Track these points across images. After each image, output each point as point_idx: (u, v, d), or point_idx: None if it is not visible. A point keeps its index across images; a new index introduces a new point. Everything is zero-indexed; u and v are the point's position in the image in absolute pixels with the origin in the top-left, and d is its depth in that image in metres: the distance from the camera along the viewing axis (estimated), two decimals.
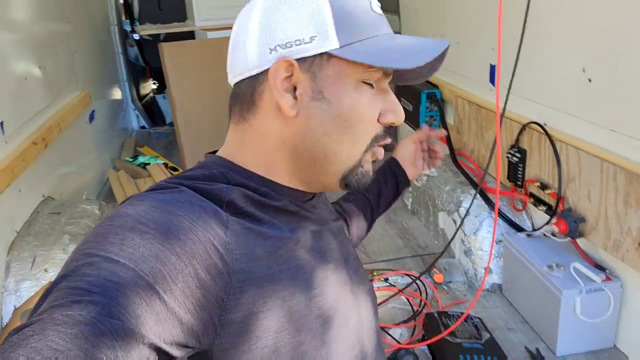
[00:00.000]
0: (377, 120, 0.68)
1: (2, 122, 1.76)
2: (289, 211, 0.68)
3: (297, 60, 0.63)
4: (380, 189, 1.18)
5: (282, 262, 0.62)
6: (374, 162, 0.72)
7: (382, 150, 0.70)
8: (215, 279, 0.54)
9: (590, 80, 1.50)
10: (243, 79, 0.68)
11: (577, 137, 1.57)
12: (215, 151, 0.73)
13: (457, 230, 1.87)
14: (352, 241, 1.08)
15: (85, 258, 0.49)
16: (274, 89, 0.64)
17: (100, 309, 0.44)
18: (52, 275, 1.65)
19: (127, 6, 4.63)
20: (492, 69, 2.03)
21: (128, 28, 4.44)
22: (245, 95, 0.68)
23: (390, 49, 0.65)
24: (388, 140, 0.70)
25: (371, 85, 0.67)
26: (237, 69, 0.68)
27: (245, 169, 0.68)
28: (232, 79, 0.70)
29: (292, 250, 0.65)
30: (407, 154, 1.20)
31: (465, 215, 1.85)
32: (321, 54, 0.64)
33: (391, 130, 0.93)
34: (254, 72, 0.66)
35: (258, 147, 0.68)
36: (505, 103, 1.71)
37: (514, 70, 1.69)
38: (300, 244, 0.67)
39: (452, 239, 1.87)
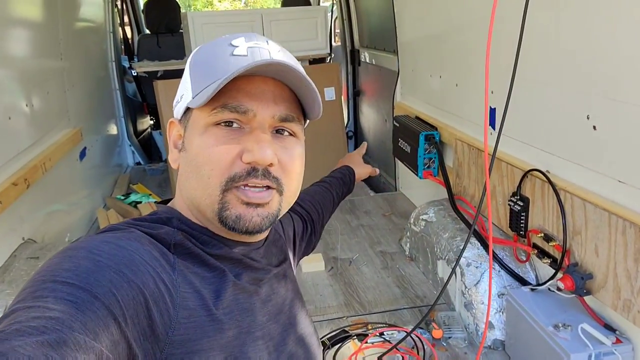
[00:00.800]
0: (242, 160, 0.64)
1: None
2: (232, 258, 0.70)
3: (180, 118, 0.70)
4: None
5: (226, 306, 0.64)
6: (257, 205, 0.65)
7: (253, 194, 0.65)
8: (162, 312, 0.56)
9: (595, 128, 1.42)
10: None
11: (583, 187, 1.48)
12: (167, 200, 0.77)
13: (450, 277, 1.77)
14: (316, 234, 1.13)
15: (39, 284, 0.49)
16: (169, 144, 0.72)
17: (61, 323, 0.45)
18: None
19: (127, 43, 4.64)
20: (492, 112, 1.96)
21: (126, 64, 4.43)
22: None
23: (218, 84, 0.63)
24: (259, 182, 0.65)
25: (228, 125, 0.65)
26: None
27: (187, 219, 0.70)
28: None
29: (234, 294, 0.67)
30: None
31: (457, 262, 1.74)
32: (187, 108, 0.68)
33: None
34: None
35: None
36: (496, 146, 1.63)
37: (504, 114, 1.61)
38: (243, 289, 0.69)
39: (444, 288, 1.77)
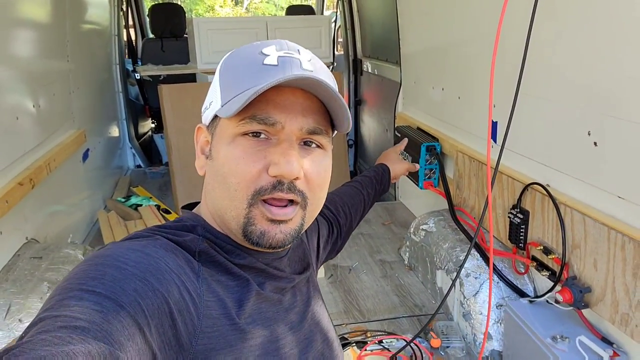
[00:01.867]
0: (268, 173, 0.64)
1: None
2: (255, 267, 0.70)
3: (208, 125, 0.71)
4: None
5: (248, 315, 0.65)
6: (280, 222, 0.65)
7: (277, 210, 0.65)
8: (186, 321, 0.56)
9: (595, 144, 1.45)
10: None
11: (583, 202, 1.51)
12: (192, 204, 0.77)
13: (450, 288, 1.79)
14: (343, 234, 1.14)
15: (67, 292, 0.50)
16: (196, 151, 0.73)
17: (87, 333, 0.45)
18: (26, 325, 1.56)
19: (131, 46, 4.67)
20: (494, 125, 1.99)
21: (130, 67, 4.46)
22: None
23: (248, 95, 0.62)
24: (284, 195, 0.64)
25: (255, 135, 0.64)
26: None
27: (212, 227, 0.70)
28: None
29: (258, 303, 0.67)
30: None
31: (458, 273, 1.76)
32: (215, 117, 0.68)
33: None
34: None
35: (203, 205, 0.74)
36: (499, 159, 1.66)
37: (507, 128, 1.65)
38: (266, 299, 0.69)
39: (445, 299, 1.79)
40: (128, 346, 0.47)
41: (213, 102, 0.69)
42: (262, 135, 0.64)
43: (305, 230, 0.91)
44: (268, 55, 0.66)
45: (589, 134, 1.48)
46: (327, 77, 0.68)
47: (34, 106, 2.20)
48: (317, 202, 0.69)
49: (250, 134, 0.64)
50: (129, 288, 0.51)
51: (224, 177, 0.65)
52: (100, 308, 0.48)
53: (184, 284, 0.58)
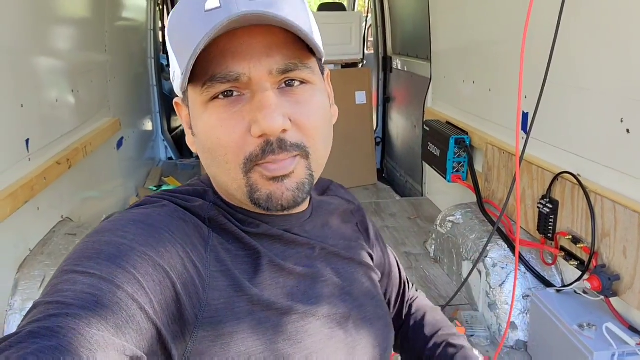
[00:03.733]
0: (251, 133, 0.55)
1: (27, 140, 1.77)
2: (271, 235, 0.63)
3: (183, 98, 0.62)
4: None
5: (259, 283, 0.59)
6: (283, 177, 0.57)
7: (274, 165, 0.56)
8: (191, 294, 0.53)
9: (628, 131, 1.43)
10: None
11: (614, 190, 1.49)
12: None
13: (471, 271, 1.78)
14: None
15: (62, 275, 0.48)
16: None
17: (79, 320, 0.43)
18: None
19: (165, 41, 4.78)
20: (525, 116, 1.97)
21: (165, 62, 4.56)
22: None
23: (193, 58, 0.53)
24: (277, 157, 0.56)
25: (227, 96, 0.56)
26: None
27: (220, 196, 0.65)
28: None
29: (273, 276, 0.61)
30: None
31: (479, 258, 1.75)
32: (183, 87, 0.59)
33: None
34: None
35: None
36: (524, 148, 1.65)
37: (534, 117, 1.63)
38: (283, 269, 0.62)
39: (466, 280, 1.78)
40: (127, 328, 0.45)
41: (175, 71, 0.59)
42: (235, 94, 0.55)
43: (370, 233, 0.81)
44: None
45: (621, 121, 1.45)
46: (276, 6, 0.55)
47: (72, 91, 2.28)
48: (321, 146, 0.60)
49: (221, 96, 0.55)
50: (128, 265, 0.48)
51: (210, 151, 0.58)
52: (95, 291, 0.45)
53: (189, 254, 0.54)
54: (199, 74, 0.54)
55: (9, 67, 1.72)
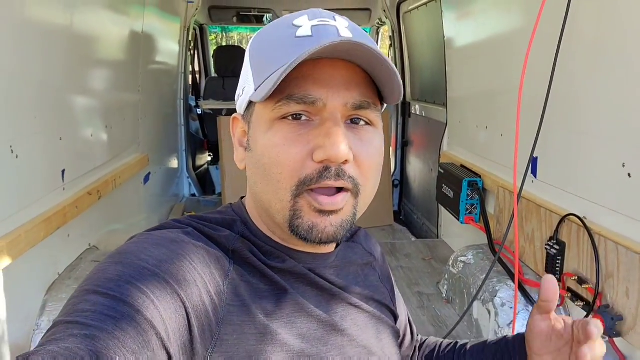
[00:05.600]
0: (313, 159, 0.56)
1: (63, 170, 1.91)
2: (295, 273, 0.63)
3: (243, 113, 0.64)
4: None
5: (277, 326, 0.57)
6: (330, 212, 0.58)
7: (325, 200, 0.57)
8: (204, 327, 0.52)
9: (630, 175, 1.49)
10: None
11: (617, 232, 1.53)
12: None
13: (473, 301, 1.80)
14: None
15: (83, 295, 0.49)
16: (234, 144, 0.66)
17: (97, 342, 0.44)
18: None
19: (195, 84, 5.02)
20: (535, 161, 2.04)
21: (193, 103, 4.78)
22: None
23: (281, 73, 0.54)
24: (333, 183, 0.56)
25: (296, 118, 0.57)
26: None
27: (253, 224, 0.65)
28: None
29: (291, 315, 0.60)
30: (537, 335, 0.71)
31: (481, 286, 1.79)
32: (250, 102, 0.61)
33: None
34: None
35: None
36: (522, 187, 1.71)
37: (530, 157, 1.70)
38: (302, 310, 0.61)
39: (468, 310, 1.80)
40: (142, 353, 0.46)
41: (246, 87, 0.61)
42: (303, 117, 0.57)
43: (395, 290, 0.81)
44: (300, 26, 0.58)
45: (623, 166, 1.51)
46: (368, 41, 0.58)
47: (106, 127, 2.44)
48: (370, 189, 0.61)
49: (290, 117, 0.57)
50: (147, 290, 0.49)
51: (264, 168, 0.58)
52: (114, 313, 0.46)
53: (206, 286, 0.54)
54: (274, 92, 0.55)
55: (51, 103, 1.87)
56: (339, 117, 0.57)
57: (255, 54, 0.62)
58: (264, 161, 0.58)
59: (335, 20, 0.60)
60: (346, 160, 0.56)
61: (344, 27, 0.59)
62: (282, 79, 0.53)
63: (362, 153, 0.58)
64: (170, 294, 0.50)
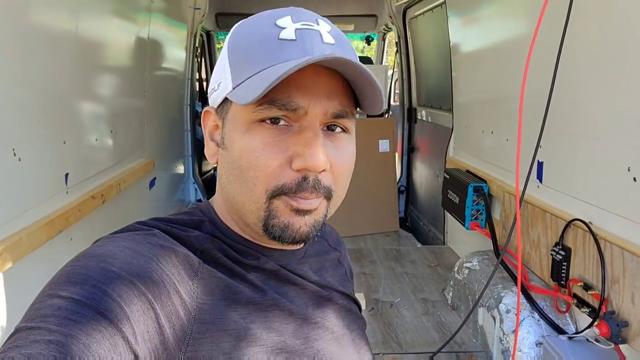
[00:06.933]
0: (291, 166, 0.56)
1: (67, 174, 1.91)
2: (267, 270, 0.63)
3: (217, 108, 0.62)
4: None
5: (250, 321, 0.57)
6: (305, 212, 0.58)
7: (303, 200, 0.57)
8: (175, 326, 0.52)
9: (635, 180, 1.47)
10: None
11: (622, 237, 1.51)
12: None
13: (476, 302, 1.78)
14: None
15: (46, 300, 0.47)
16: (204, 136, 0.65)
17: (60, 347, 0.43)
18: None
19: (202, 90, 5.04)
20: (540, 165, 2.02)
21: (200, 109, 4.80)
22: None
23: (266, 77, 0.54)
24: (309, 195, 0.57)
25: (274, 122, 0.56)
26: None
27: (222, 223, 0.64)
28: None
29: (263, 311, 0.60)
30: None
31: (485, 289, 1.76)
32: (225, 99, 0.60)
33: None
34: None
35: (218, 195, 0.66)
36: (523, 192, 1.71)
37: (532, 161, 1.68)
38: (275, 305, 0.61)
39: (470, 313, 1.78)
40: (108, 357, 0.45)
41: (222, 83, 0.60)
42: (282, 122, 0.57)
43: (354, 281, 0.84)
44: (284, 27, 0.58)
45: (628, 170, 1.49)
46: (350, 50, 0.60)
47: (111, 132, 2.45)
48: (341, 192, 0.62)
49: (268, 121, 0.56)
50: (113, 293, 0.48)
51: (241, 170, 0.58)
52: (79, 318, 0.45)
53: (175, 285, 0.53)
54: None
55: (56, 108, 1.88)
56: (317, 125, 0.57)
57: (234, 49, 0.60)
58: (240, 163, 0.58)
59: (318, 24, 0.59)
60: (324, 169, 0.57)
61: (326, 32, 0.59)
62: (274, 85, 0.52)
63: (337, 161, 0.59)
64: (137, 295, 0.49)
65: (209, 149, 0.64)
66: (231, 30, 0.62)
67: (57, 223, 1.76)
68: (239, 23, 0.62)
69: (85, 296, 0.47)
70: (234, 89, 0.57)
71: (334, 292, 0.71)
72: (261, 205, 0.57)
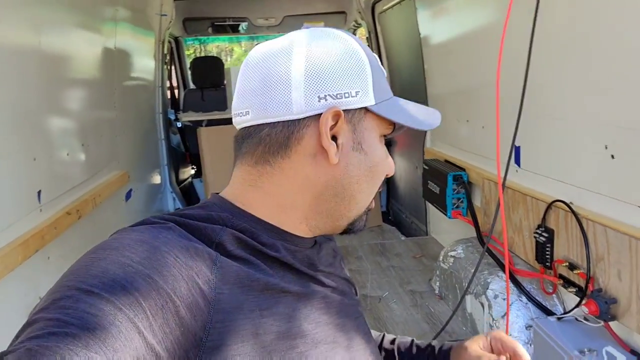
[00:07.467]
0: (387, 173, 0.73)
1: (39, 191, 1.86)
2: (284, 263, 0.66)
3: (343, 111, 0.66)
4: None
5: (265, 308, 0.60)
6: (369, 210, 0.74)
7: (373, 202, 0.74)
8: (196, 317, 0.53)
9: (613, 157, 1.48)
10: (276, 122, 0.66)
11: (604, 215, 1.52)
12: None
13: (466, 290, 1.78)
14: None
15: (64, 290, 0.48)
16: (323, 136, 0.65)
17: (77, 341, 0.43)
18: None
19: (174, 97, 4.97)
20: (517, 150, 2.03)
21: (172, 117, 4.73)
22: (277, 137, 0.66)
23: (405, 110, 0.71)
24: (381, 190, 0.77)
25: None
26: (271, 112, 0.65)
27: (247, 213, 0.67)
28: (254, 121, 0.67)
29: (277, 299, 0.62)
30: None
31: (472, 276, 1.77)
32: (361, 108, 0.68)
33: None
34: (295, 117, 0.65)
35: (277, 188, 0.67)
36: (505, 177, 1.72)
37: (512, 146, 1.69)
38: (289, 295, 0.64)
39: (461, 301, 1.78)
40: (124, 352, 0.46)
41: (360, 92, 0.67)
42: None
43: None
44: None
45: (606, 148, 1.51)
46: None
47: (82, 146, 2.39)
48: None
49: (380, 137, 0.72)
50: (131, 287, 0.49)
51: (376, 173, 0.70)
52: (96, 311, 0.46)
53: (194, 278, 0.55)
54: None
55: (24, 124, 1.82)
56: None
57: (372, 64, 0.69)
58: (377, 168, 0.70)
59: None
60: None
61: None
62: (413, 127, 0.71)
63: None
64: (156, 290, 0.50)
65: (333, 148, 0.66)
66: (350, 39, 0.70)
67: (32, 242, 1.70)
68: (348, 35, 0.71)
69: (104, 289, 0.48)
70: (376, 104, 0.68)
71: (341, 279, 0.77)
72: (370, 202, 0.72)
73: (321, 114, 0.64)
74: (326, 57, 0.66)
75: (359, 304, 0.80)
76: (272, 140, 0.66)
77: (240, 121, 0.69)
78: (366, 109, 0.68)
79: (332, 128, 0.65)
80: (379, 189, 0.74)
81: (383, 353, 0.90)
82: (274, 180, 0.67)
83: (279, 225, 0.68)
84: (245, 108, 0.67)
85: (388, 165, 0.73)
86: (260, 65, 0.67)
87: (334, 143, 0.66)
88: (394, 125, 0.70)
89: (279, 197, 0.68)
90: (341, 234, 0.73)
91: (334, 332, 0.67)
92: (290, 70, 0.65)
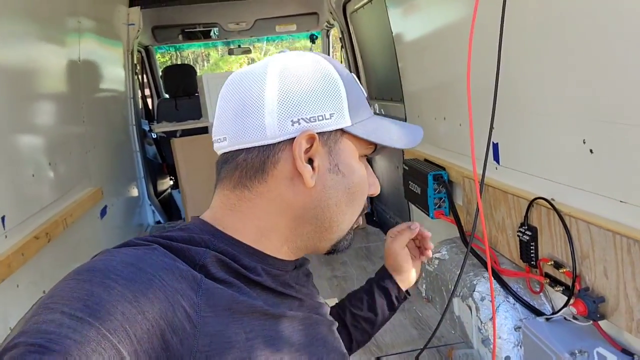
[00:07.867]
0: (370, 193, 0.75)
1: (3, 217, 1.77)
2: (267, 287, 0.67)
3: (318, 134, 0.67)
4: (375, 320, 1.08)
5: (250, 331, 0.61)
6: (356, 228, 0.76)
7: (361, 219, 0.75)
8: (182, 341, 0.53)
9: (592, 151, 1.45)
10: (251, 147, 0.66)
11: (587, 211, 1.49)
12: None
13: (453, 291, 1.74)
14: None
15: (47, 313, 0.47)
16: (297, 160, 0.65)
17: None
18: None
19: (147, 108, 4.87)
20: (495, 147, 2.00)
21: (147, 128, 4.63)
22: (254, 162, 0.67)
23: (383, 129, 0.72)
24: (366, 209, 0.76)
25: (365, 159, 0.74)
26: (246, 138, 0.66)
27: (228, 236, 0.67)
28: (231, 147, 0.68)
29: (262, 322, 0.63)
30: (399, 261, 1.02)
31: (459, 278, 1.73)
32: (336, 130, 0.69)
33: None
34: (269, 142, 0.66)
35: (256, 212, 0.68)
36: (483, 175, 1.70)
37: (488, 143, 1.65)
38: (272, 319, 0.65)
39: (448, 305, 1.74)
40: None
41: (334, 115, 0.67)
42: None
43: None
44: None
45: (584, 142, 1.48)
46: None
47: (50, 164, 2.30)
48: None
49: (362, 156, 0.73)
50: (116, 312, 0.48)
51: (356, 194, 0.71)
52: (79, 337, 0.45)
53: (179, 301, 0.54)
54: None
55: None
56: None
57: (347, 85, 0.70)
58: (356, 189, 0.70)
59: None
60: None
61: None
62: (391, 146, 0.72)
63: None
64: (141, 313, 0.50)
65: (308, 171, 0.66)
66: (326, 63, 0.70)
67: None
68: (324, 57, 0.71)
69: (88, 314, 0.47)
70: (353, 125, 0.69)
71: (314, 301, 0.78)
72: (352, 223, 0.72)
73: (295, 137, 0.65)
74: (299, 81, 0.66)
75: (334, 324, 0.82)
76: (248, 165, 0.67)
77: (218, 147, 0.70)
78: (342, 131, 0.68)
79: (307, 151, 0.66)
80: (363, 209, 0.74)
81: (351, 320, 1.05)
82: (252, 204, 0.68)
83: (260, 249, 0.68)
84: (223, 134, 0.69)
85: (371, 185, 0.73)
86: (236, 90, 0.68)
87: (309, 166, 0.66)
88: (375, 144, 0.71)
89: (258, 221, 0.68)
90: (325, 254, 0.74)
91: (317, 353, 0.69)
92: (264, 96, 0.66)
